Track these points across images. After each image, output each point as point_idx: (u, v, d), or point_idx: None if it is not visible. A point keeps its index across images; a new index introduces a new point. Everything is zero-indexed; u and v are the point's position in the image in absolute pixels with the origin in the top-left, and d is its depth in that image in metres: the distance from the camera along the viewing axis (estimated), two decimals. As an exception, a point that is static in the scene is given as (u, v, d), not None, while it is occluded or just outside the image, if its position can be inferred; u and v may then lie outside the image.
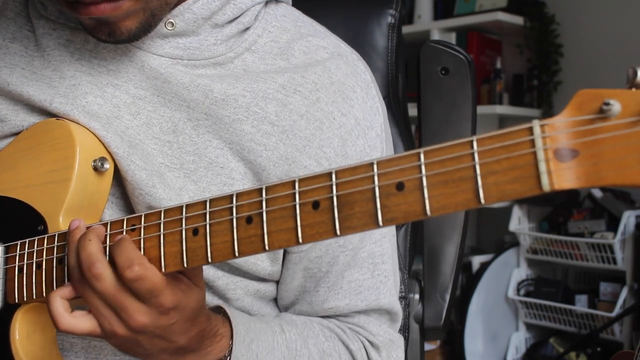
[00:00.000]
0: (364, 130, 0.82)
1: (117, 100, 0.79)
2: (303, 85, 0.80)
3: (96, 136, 0.76)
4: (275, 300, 0.88)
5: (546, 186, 0.45)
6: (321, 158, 0.79)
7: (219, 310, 0.75)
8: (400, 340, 0.88)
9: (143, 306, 0.63)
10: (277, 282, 0.85)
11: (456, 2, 3.11)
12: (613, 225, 2.53)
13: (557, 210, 2.73)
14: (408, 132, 1.18)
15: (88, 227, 0.68)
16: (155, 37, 0.78)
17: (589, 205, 2.67)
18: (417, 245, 1.16)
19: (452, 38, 3.01)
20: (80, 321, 0.65)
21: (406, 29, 2.95)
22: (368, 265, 0.83)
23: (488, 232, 3.19)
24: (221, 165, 0.78)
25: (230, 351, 0.72)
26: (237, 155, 0.78)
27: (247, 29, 0.81)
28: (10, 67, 0.81)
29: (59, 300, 0.66)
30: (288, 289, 0.84)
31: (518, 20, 2.92)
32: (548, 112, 2.92)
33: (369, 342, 0.84)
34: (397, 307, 0.87)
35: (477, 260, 2.89)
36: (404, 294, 1.09)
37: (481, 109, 2.65)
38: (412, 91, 1.17)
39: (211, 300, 0.80)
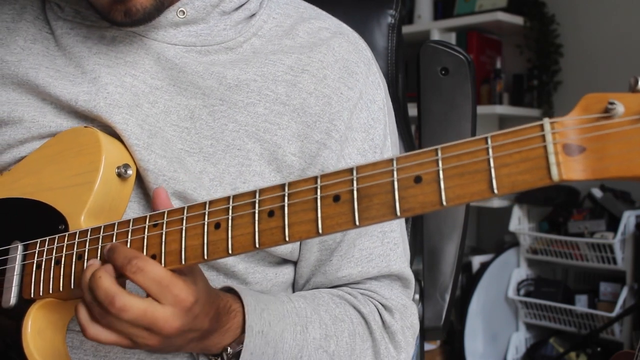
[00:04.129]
0: (367, 104, 0.87)
1: (136, 90, 0.82)
2: (310, 65, 0.84)
3: (117, 132, 0.79)
4: (292, 286, 0.90)
5: (555, 176, 0.48)
6: (332, 131, 0.83)
7: (226, 290, 0.77)
8: (413, 307, 0.90)
9: (169, 309, 0.65)
10: (294, 264, 0.88)
11: (456, 2, 3.11)
12: (613, 225, 2.53)
13: (557, 210, 2.73)
14: (408, 132, 1.18)
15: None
16: (167, 27, 0.82)
17: (589, 205, 2.67)
18: (417, 245, 1.16)
19: (452, 38, 3.01)
20: (107, 332, 0.66)
21: (406, 29, 2.95)
22: (377, 233, 0.87)
23: (488, 232, 3.19)
24: (238, 147, 0.81)
25: (244, 325, 0.73)
26: (253, 137, 0.81)
27: (253, 15, 0.86)
28: (35, 68, 0.84)
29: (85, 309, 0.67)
30: (306, 265, 0.87)
31: (518, 20, 2.92)
32: (548, 112, 2.92)
33: (382, 305, 0.86)
34: (408, 272, 0.90)
35: (477, 260, 2.89)
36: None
37: (481, 109, 2.65)
38: (412, 91, 1.17)
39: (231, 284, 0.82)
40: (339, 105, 0.84)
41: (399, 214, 0.54)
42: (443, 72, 1.13)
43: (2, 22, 0.89)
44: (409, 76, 1.24)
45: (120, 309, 0.63)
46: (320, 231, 0.58)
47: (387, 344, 0.85)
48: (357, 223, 0.56)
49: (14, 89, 0.84)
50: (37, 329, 0.75)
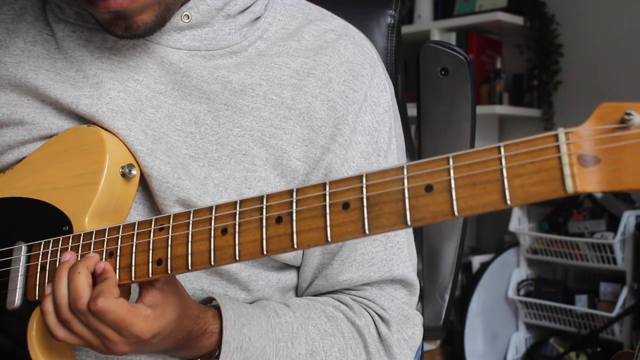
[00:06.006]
0: (371, 107, 0.86)
1: (139, 94, 0.81)
2: (315, 68, 0.83)
3: (119, 138, 0.78)
4: (294, 289, 0.90)
5: (570, 188, 0.47)
6: (336, 135, 0.82)
7: (211, 300, 0.77)
8: (417, 318, 0.89)
9: (123, 338, 0.66)
10: (297, 269, 0.88)
11: (456, 2, 3.11)
12: (613, 225, 2.53)
13: (557, 210, 2.73)
14: (407, 132, 1.18)
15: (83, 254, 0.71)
16: (172, 31, 0.80)
17: (589, 205, 2.67)
18: (416, 245, 1.16)
19: (452, 38, 3.01)
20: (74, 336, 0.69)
21: (406, 29, 2.95)
22: (381, 237, 0.86)
23: (488, 232, 3.19)
24: (243, 152, 0.80)
25: (221, 344, 0.74)
26: (258, 142, 0.81)
27: (258, 18, 0.85)
28: (35, 70, 0.83)
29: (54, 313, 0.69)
30: (309, 269, 0.86)
31: (518, 20, 2.92)
32: (548, 112, 2.92)
33: (379, 316, 0.86)
34: (412, 277, 0.89)
35: (477, 260, 2.89)
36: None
37: (481, 109, 2.65)
38: (411, 91, 1.18)
39: (234, 292, 0.82)
40: (344, 109, 0.83)
41: (409, 223, 0.53)
42: (443, 73, 1.13)
43: (1, 22, 0.88)
44: (409, 76, 1.24)
45: (81, 311, 0.66)
46: (329, 239, 0.57)
47: (381, 357, 0.84)
48: (367, 232, 0.55)
49: (12, 90, 0.83)
50: (42, 332, 0.74)
